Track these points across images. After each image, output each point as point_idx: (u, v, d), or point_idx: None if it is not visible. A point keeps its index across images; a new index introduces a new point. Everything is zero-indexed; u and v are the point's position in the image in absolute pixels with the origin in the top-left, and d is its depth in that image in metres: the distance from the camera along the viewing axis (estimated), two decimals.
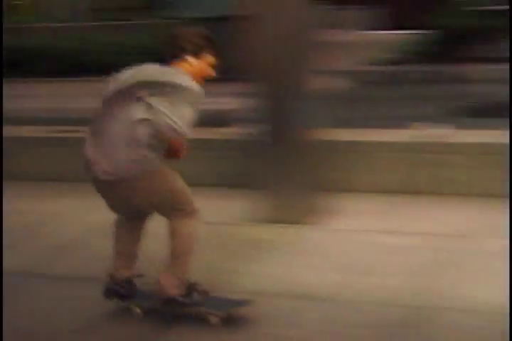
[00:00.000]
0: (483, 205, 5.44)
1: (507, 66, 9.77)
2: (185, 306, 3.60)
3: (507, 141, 5.63)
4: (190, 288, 3.63)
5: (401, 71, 10.30)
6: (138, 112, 3.25)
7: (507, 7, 13.02)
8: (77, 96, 10.06)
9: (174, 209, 3.48)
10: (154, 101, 3.23)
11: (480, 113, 8.25)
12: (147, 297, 3.75)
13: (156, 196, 3.41)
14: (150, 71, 3.38)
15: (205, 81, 3.56)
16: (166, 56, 3.49)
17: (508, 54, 11.17)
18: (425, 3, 14.07)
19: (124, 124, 3.26)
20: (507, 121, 6.37)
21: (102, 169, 3.32)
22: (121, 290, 3.68)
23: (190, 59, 3.48)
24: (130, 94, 3.28)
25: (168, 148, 3.44)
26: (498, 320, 3.62)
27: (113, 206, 3.58)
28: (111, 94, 3.34)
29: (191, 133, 3.33)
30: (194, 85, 3.31)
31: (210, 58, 3.54)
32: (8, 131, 6.73)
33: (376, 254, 4.58)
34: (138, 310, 3.73)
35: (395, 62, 10.77)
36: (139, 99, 3.25)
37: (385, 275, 4.28)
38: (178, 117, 3.23)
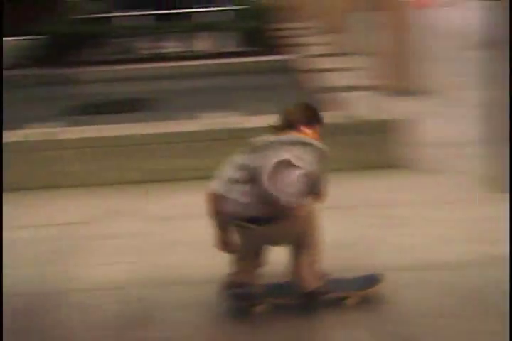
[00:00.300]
0: (100, 193, 5.64)
1: (112, 67, 10.10)
2: (324, 295, 3.67)
3: (112, 134, 5.88)
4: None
5: (14, 75, 10.11)
6: (289, 174, 3.42)
7: (109, 15, 13.46)
8: None
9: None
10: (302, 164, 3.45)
11: (90, 111, 8.43)
12: (270, 294, 3.72)
13: (300, 231, 3.60)
14: (290, 136, 3.60)
15: None
16: (280, 127, 3.67)
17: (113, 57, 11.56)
18: (34, 11, 13.97)
19: (277, 177, 3.40)
20: (113, 116, 6.61)
21: (255, 207, 3.44)
22: (245, 293, 3.67)
23: (304, 129, 3.68)
24: (275, 151, 3.47)
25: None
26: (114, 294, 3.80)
27: (252, 243, 3.64)
28: (257, 150, 3.51)
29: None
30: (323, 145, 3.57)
31: (318, 128, 3.76)
32: None
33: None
34: (262, 308, 3.71)
35: (7, 67, 10.53)
36: (288, 162, 3.43)
37: (13, 267, 4.24)
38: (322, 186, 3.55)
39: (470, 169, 5.61)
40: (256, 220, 3.47)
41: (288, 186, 3.41)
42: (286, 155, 3.46)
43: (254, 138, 3.61)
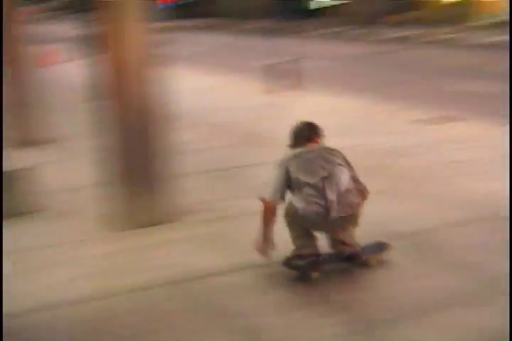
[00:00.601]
0: None
1: None
2: (361, 257, 4.59)
3: None
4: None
5: None
6: (346, 173, 4.38)
7: None
8: None
9: None
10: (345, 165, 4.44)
11: None
12: (324, 262, 4.55)
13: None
14: (319, 146, 4.56)
15: None
16: (299, 142, 4.52)
17: None
18: None
19: (343, 181, 4.33)
20: None
21: (339, 209, 4.27)
22: (306, 263, 4.43)
23: (318, 140, 4.60)
24: (333, 160, 4.39)
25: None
26: None
27: (321, 229, 4.48)
28: (321, 163, 4.35)
29: None
30: None
31: (323, 138, 4.65)
32: None
33: None
34: (316, 274, 4.48)
35: None
36: (340, 164, 4.39)
37: None
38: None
39: (92, 211, 5.82)
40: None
41: (349, 185, 4.36)
42: (336, 160, 4.39)
43: (292, 152, 4.45)
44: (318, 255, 4.50)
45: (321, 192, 4.26)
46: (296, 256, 4.48)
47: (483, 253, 4.77)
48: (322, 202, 4.25)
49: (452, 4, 33.74)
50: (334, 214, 4.27)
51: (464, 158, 7.24)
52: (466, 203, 5.69)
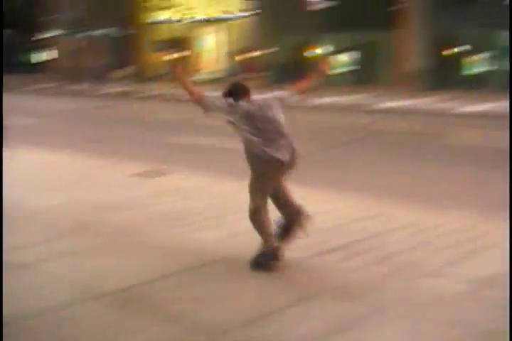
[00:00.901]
0: None
1: None
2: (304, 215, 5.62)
3: None
4: None
5: None
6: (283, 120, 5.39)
7: None
8: None
9: None
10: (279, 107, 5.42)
11: None
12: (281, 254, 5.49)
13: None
14: (265, 97, 5.43)
15: None
16: (241, 94, 5.36)
17: None
18: None
19: (282, 128, 5.30)
20: None
21: (287, 157, 5.24)
22: (270, 257, 5.38)
23: (250, 95, 5.44)
24: (272, 110, 5.33)
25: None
26: None
27: (275, 181, 5.38)
28: (262, 113, 5.29)
29: None
30: None
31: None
32: None
33: None
34: (276, 262, 5.39)
35: None
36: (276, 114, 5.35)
37: None
38: None
39: None
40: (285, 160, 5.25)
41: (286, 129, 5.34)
42: (278, 109, 5.33)
43: (242, 108, 5.26)
44: (271, 252, 5.38)
45: (275, 144, 5.20)
46: (264, 251, 5.36)
47: (194, 302, 4.78)
48: (279, 155, 5.19)
49: (170, 61, 34.96)
50: (289, 158, 5.23)
51: (180, 209, 7.31)
52: (184, 254, 5.74)
